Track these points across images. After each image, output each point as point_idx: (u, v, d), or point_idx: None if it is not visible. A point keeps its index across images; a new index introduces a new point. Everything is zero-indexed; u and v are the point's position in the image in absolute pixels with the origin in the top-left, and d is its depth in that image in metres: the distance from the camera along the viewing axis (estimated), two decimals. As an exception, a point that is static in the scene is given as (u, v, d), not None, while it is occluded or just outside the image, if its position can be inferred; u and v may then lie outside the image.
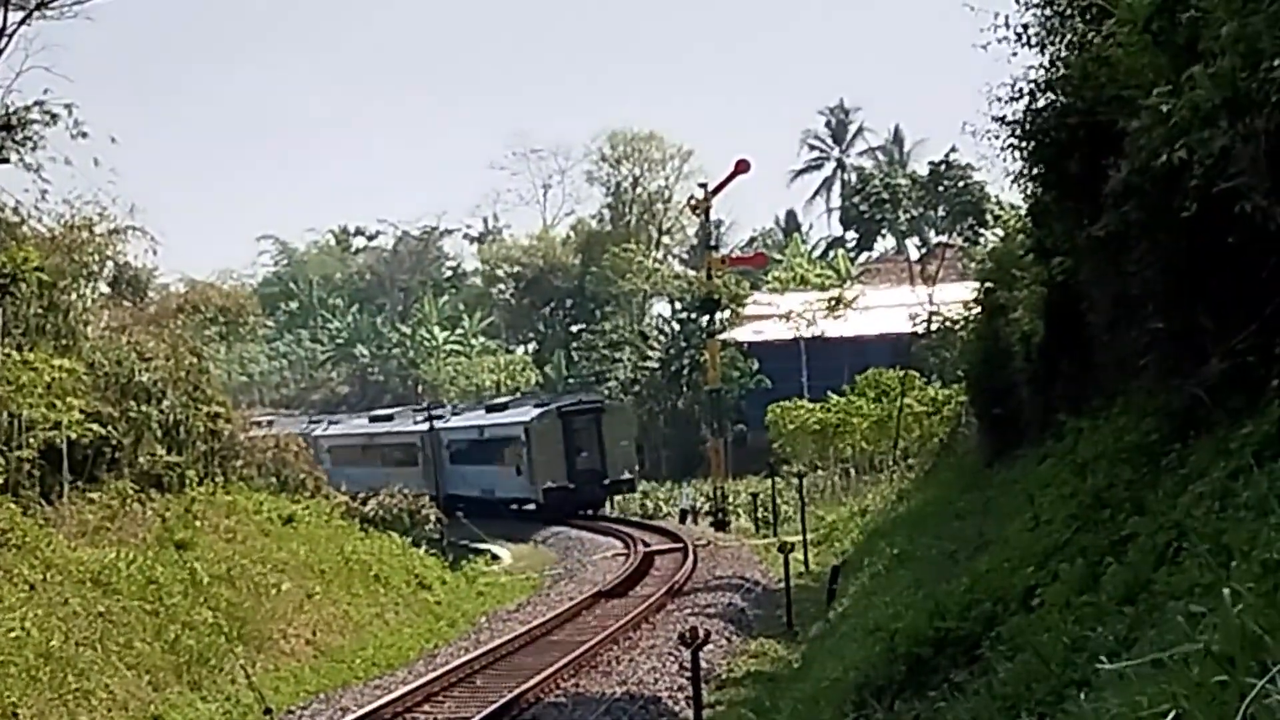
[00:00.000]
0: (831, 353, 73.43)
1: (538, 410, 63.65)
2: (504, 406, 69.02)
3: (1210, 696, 4.60)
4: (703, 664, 18.94)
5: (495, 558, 49.94)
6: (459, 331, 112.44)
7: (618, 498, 64.40)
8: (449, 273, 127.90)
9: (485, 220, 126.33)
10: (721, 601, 31.64)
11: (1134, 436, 13.82)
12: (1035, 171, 17.74)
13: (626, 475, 62.96)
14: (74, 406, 27.38)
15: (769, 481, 54.98)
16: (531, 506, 60.98)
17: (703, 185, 68.24)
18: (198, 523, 30.46)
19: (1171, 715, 4.60)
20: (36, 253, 29.53)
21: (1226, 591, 5.41)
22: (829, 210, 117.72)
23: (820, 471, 59.25)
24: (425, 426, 70.36)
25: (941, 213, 79.79)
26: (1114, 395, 16.82)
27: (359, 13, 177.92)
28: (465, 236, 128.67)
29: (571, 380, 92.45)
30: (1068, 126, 15.58)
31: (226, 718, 22.43)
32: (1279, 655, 4.48)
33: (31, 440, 26.65)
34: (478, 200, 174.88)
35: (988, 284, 30.90)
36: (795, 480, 48.21)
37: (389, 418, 77.08)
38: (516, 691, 21.78)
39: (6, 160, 30.15)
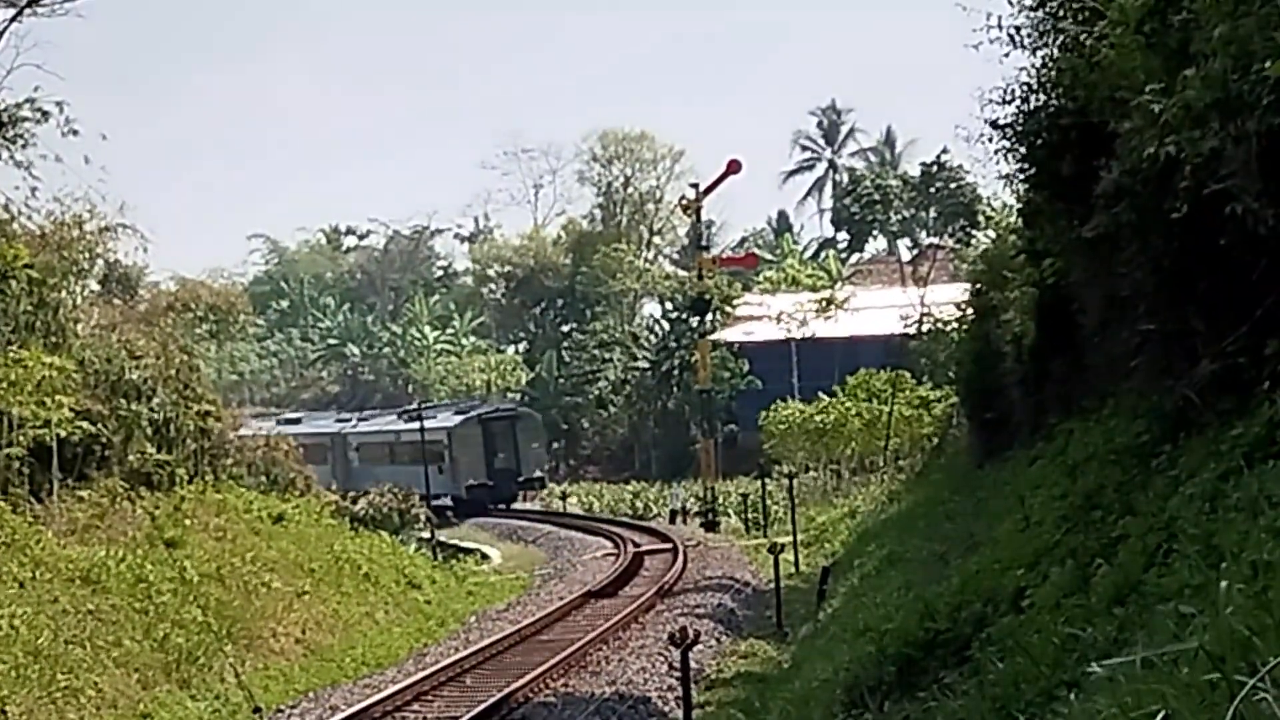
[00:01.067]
0: (822, 354, 73.47)
1: (460, 417, 72.13)
2: (420, 414, 74.83)
3: (1200, 697, 4.60)
4: (692, 664, 18.91)
5: (485, 557, 49.94)
6: (449, 331, 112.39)
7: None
8: (440, 272, 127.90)
9: (476, 220, 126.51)
10: (711, 602, 31.63)
11: (1124, 438, 13.83)
12: (1027, 173, 17.74)
13: (538, 474, 72.07)
14: (64, 404, 27.30)
15: (759, 482, 55.01)
16: (449, 502, 65.38)
17: (694, 185, 68.24)
18: (187, 521, 30.40)
19: (1161, 715, 4.60)
20: (26, 250, 29.46)
21: (1224, 585, 5.42)
22: (820, 211, 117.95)
23: (811, 472, 59.29)
24: (335, 429, 77.18)
25: (933, 214, 79.96)
26: (1105, 397, 16.83)
27: (351, 11, 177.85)
28: (456, 236, 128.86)
29: (562, 380, 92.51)
30: (1059, 128, 15.58)
31: (215, 716, 22.38)
32: (1268, 656, 4.48)
33: (21, 438, 26.58)
34: (469, 200, 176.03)
35: (979, 285, 30.92)
36: (786, 481, 48.24)
37: (297, 420, 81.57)
38: (506, 691, 21.75)
39: (-3, 158, 30.09)
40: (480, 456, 69.54)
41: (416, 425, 70.83)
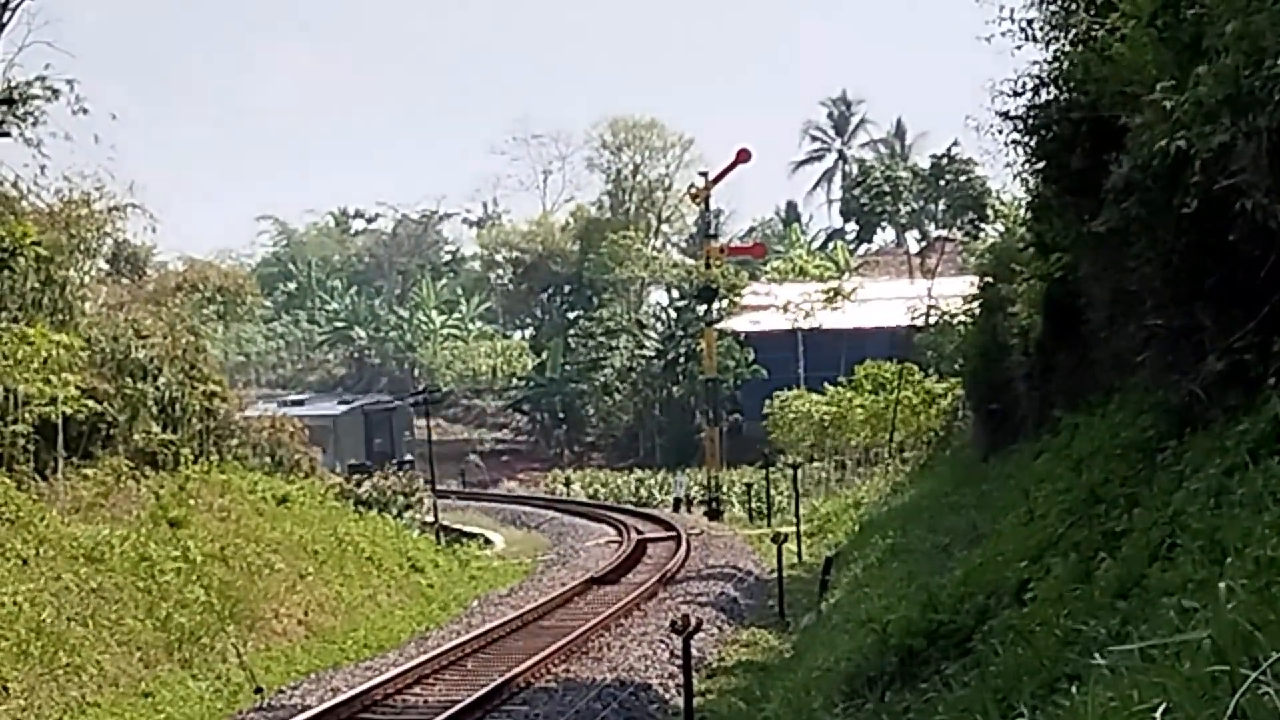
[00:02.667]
0: (828, 344, 73.49)
1: (344, 407, 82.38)
2: (301, 402, 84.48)
3: (1202, 690, 4.60)
4: (694, 652, 18.93)
5: (488, 542, 49.98)
6: (456, 316, 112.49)
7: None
8: (447, 257, 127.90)
9: (485, 205, 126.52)
10: (714, 590, 31.68)
11: (1130, 433, 13.83)
12: (1037, 166, 17.70)
13: (409, 458, 78.85)
14: (70, 382, 27.31)
15: (763, 471, 55.03)
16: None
17: (703, 174, 68.20)
18: (192, 501, 30.40)
19: (1162, 708, 4.61)
20: (35, 227, 29.46)
21: (1227, 581, 5.41)
22: (829, 202, 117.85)
23: (815, 463, 59.32)
24: None
25: (942, 206, 79.82)
26: (1111, 391, 16.84)
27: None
28: (464, 221, 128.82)
29: (567, 366, 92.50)
30: (1070, 122, 15.53)
31: (217, 696, 22.39)
32: (1271, 650, 4.48)
33: (27, 415, 26.60)
34: (477, 185, 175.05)
35: (987, 278, 30.91)
36: (790, 471, 48.28)
37: None
38: (507, 675, 21.78)
39: (7, 135, 30.11)
40: (361, 441, 78.27)
41: (298, 411, 76.79)
